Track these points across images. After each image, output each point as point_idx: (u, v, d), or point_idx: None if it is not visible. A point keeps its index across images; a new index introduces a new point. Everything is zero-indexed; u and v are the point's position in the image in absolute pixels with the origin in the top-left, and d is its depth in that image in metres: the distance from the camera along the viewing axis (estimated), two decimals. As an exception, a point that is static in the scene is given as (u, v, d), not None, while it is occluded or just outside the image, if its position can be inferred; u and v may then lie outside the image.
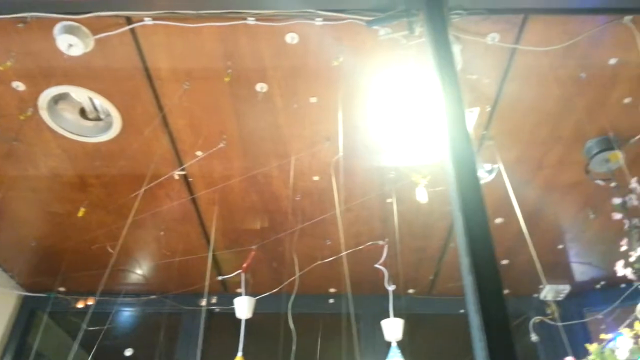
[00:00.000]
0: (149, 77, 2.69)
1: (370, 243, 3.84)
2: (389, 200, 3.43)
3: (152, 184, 3.12)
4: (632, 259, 2.88)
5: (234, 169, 3.25)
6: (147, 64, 2.63)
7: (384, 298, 3.39)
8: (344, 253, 3.26)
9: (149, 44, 2.54)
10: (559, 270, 4.49)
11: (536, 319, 4.12)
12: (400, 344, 4.62)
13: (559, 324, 4.26)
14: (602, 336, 2.64)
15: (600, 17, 2.41)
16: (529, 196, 3.57)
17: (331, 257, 3.99)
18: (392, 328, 3.32)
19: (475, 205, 1.58)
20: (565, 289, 4.71)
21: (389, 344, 3.39)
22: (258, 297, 3.53)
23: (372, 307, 4.42)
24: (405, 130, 2.92)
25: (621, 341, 2.61)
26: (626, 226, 2.94)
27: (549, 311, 4.79)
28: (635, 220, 2.92)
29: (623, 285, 4.58)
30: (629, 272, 2.99)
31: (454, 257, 4.12)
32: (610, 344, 2.64)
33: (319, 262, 3.93)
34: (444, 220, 3.79)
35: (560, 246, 4.12)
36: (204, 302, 4.47)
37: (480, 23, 2.42)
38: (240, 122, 2.95)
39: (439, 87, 1.83)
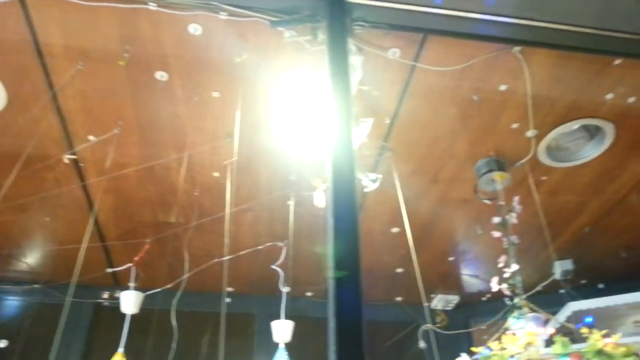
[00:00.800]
0: (39, 53, 2.53)
1: (269, 244, 3.82)
2: (289, 203, 3.44)
3: (37, 166, 2.92)
4: (506, 275, 3.07)
5: (130, 158, 3.13)
6: (38, 37, 2.46)
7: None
8: (239, 254, 3.23)
9: (40, 17, 2.38)
10: (450, 281, 4.71)
11: (425, 326, 4.27)
12: (293, 346, 4.65)
13: (446, 332, 4.46)
14: (473, 349, 2.79)
15: (493, 44, 2.55)
16: (424, 208, 3.72)
17: (230, 255, 3.93)
18: (281, 330, 3.32)
19: (347, 210, 1.61)
20: (455, 299, 4.96)
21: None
22: (149, 293, 3.42)
23: (269, 308, 4.41)
24: (305, 134, 2.94)
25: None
26: (505, 244, 3.13)
27: (438, 319, 5.02)
28: (513, 238, 3.12)
29: (507, 299, 4.89)
30: (504, 288, 3.18)
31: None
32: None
33: (216, 259, 3.87)
34: (343, 226, 3.86)
35: (451, 258, 4.33)
36: (105, 295, 4.28)
37: (382, 37, 2.48)
38: (138, 109, 2.83)
39: (330, 93, 1.85)
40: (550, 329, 2.74)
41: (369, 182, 2.52)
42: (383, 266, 4.39)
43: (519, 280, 3.05)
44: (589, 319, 2.83)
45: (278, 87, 2.71)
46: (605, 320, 4.36)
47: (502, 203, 3.17)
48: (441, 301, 4.93)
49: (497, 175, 3.14)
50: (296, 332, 4.72)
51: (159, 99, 2.77)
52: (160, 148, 3.07)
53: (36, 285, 4.15)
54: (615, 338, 2.35)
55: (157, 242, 3.83)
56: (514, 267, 3.04)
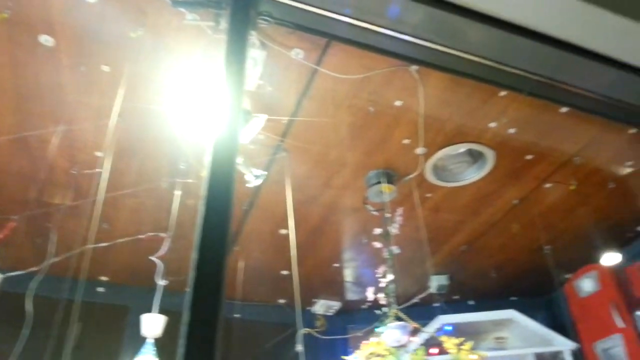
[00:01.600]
0: None
1: (151, 234, 3.65)
2: (175, 192, 3.31)
3: None
4: (382, 285, 3.17)
5: (2, 126, 2.84)
6: None
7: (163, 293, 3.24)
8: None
9: None
10: (333, 287, 4.78)
11: (304, 330, 4.28)
12: (167, 342, 4.46)
13: (324, 337, 4.52)
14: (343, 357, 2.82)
15: (392, 60, 2.62)
16: (314, 212, 3.75)
17: (107, 242, 3.70)
18: (151, 324, 3.16)
19: (221, 203, 1.56)
20: (336, 305, 5.05)
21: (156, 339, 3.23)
22: (10, 274, 3.13)
23: (145, 301, 4.21)
24: (196, 123, 2.84)
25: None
26: (384, 254, 3.23)
27: (318, 324, 5.08)
28: (393, 249, 3.23)
29: (385, 309, 5.07)
30: (380, 297, 3.28)
31: (234, 259, 4.14)
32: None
33: (90, 246, 3.63)
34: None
35: (336, 265, 4.40)
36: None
37: (287, 36, 2.46)
38: (16, 74, 2.58)
39: (222, 83, 1.79)
40: (416, 339, 2.85)
41: (252, 177, 2.48)
42: (269, 267, 4.37)
43: (392, 290, 3.15)
44: (448, 328, 2.98)
45: (173, 71, 2.60)
46: (471, 335, 4.64)
47: (388, 215, 3.28)
48: (323, 306, 5.00)
49: (384, 187, 3.24)
50: (174, 329, 4.56)
51: (41, 65, 2.54)
52: (37, 119, 2.82)
53: None
54: (467, 347, 2.50)
55: (25, 221, 3.53)
56: (390, 277, 3.15)
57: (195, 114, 2.82)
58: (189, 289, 1.37)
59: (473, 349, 4.60)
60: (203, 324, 1.31)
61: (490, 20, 2.32)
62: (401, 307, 5.08)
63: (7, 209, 3.39)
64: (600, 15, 2.30)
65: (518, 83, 2.68)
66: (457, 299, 4.98)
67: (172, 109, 2.81)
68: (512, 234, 4.10)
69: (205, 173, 2.90)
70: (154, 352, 3.14)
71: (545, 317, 4.78)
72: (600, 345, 3.80)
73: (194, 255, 1.43)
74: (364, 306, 5.13)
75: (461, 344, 2.70)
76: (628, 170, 3.47)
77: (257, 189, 3.46)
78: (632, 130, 3.12)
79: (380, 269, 3.31)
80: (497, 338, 4.62)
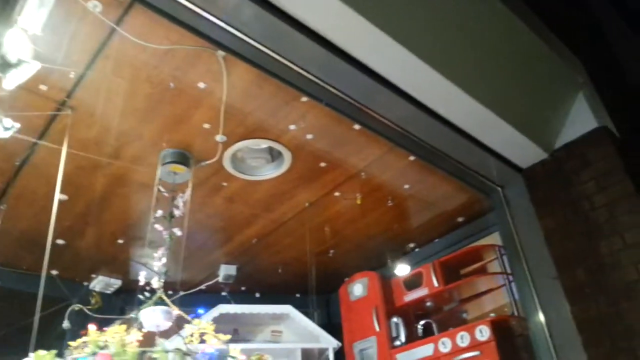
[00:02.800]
0: None
1: None
2: None
3: None
4: (155, 268, 3.06)
5: None
6: None
7: None
8: None
9: None
10: (115, 264, 4.51)
11: (75, 306, 3.95)
12: None
13: (97, 315, 4.23)
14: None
15: (200, 40, 2.53)
16: (100, 181, 3.48)
17: None
18: None
19: None
20: (116, 283, 4.77)
21: None
22: None
23: None
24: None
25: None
26: (165, 236, 3.13)
27: (92, 301, 4.75)
28: (175, 230, 3.14)
29: (170, 292, 4.95)
30: (154, 281, 3.15)
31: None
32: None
33: None
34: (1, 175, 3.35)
35: (121, 241, 4.15)
36: None
37: (84, -17, 2.23)
38: None
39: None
40: (168, 323, 2.79)
41: (1, 128, 2.19)
42: (42, 234, 3.94)
43: (164, 273, 3.07)
44: (201, 311, 2.98)
45: None
46: (250, 326, 4.77)
47: (175, 197, 3.18)
48: (101, 283, 4.68)
49: (174, 168, 3.14)
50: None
51: None
52: None
53: None
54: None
55: None
56: (164, 260, 3.05)
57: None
58: None
59: (249, 340, 4.72)
60: None
61: (306, 31, 2.37)
62: (187, 292, 5.01)
63: None
64: (408, 55, 2.48)
65: (318, 92, 2.79)
66: (244, 290, 5.06)
67: None
68: (301, 235, 4.28)
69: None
70: None
71: (324, 316, 5.08)
72: (358, 346, 4.16)
73: None
74: (147, 288, 4.93)
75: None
76: (405, 192, 3.85)
77: (35, 145, 3.10)
78: (412, 158, 3.47)
79: (160, 251, 3.19)
80: (274, 331, 4.79)
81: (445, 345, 3.62)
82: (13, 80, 2.04)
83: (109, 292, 4.83)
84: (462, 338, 3.54)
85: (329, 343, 4.39)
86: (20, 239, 3.97)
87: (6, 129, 2.13)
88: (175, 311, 2.89)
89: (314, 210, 3.96)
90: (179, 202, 3.11)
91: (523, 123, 3.18)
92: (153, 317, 2.82)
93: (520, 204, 3.56)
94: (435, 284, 3.92)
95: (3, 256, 4.19)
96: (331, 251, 4.54)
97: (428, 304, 4.12)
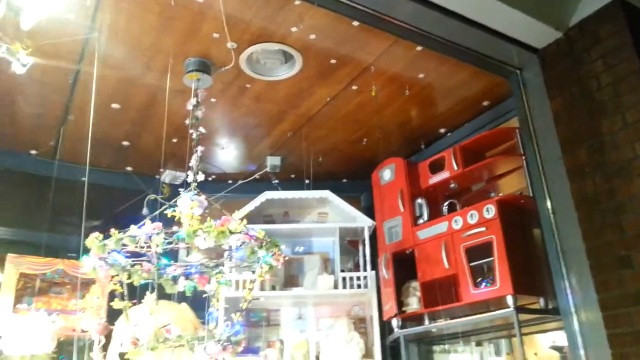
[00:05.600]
0: None
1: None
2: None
3: None
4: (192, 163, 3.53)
5: None
6: None
7: None
8: None
9: None
10: (176, 159, 5.15)
11: (151, 196, 4.67)
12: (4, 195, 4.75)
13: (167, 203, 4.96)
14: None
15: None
16: (142, 91, 3.99)
17: None
18: None
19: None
20: (182, 175, 5.47)
21: None
22: None
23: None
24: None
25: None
26: (193, 135, 3.58)
27: (164, 192, 5.52)
28: (201, 129, 3.55)
29: (230, 182, 5.60)
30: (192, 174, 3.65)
31: (75, 129, 4.35)
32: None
33: None
34: (61, 93, 3.94)
35: (175, 140, 4.73)
36: None
37: None
38: None
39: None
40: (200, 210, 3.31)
41: (19, 65, 2.64)
42: (109, 136, 4.62)
43: (197, 167, 3.54)
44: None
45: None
46: (298, 209, 5.34)
47: (196, 102, 3.56)
48: (169, 176, 5.40)
49: (190, 76, 3.53)
50: (10, 186, 4.81)
51: None
52: None
53: None
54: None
55: None
56: (198, 154, 3.48)
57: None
58: None
59: (298, 221, 5.29)
60: None
61: None
62: (244, 181, 5.64)
63: None
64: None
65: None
66: (294, 177, 5.56)
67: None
68: (331, 127, 4.60)
69: (16, 47, 3.01)
70: None
71: (369, 198, 5.50)
72: (387, 224, 4.56)
73: None
74: (210, 178, 5.61)
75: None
76: (421, 80, 3.97)
77: (80, 63, 3.61)
78: (419, 48, 3.56)
79: (199, 148, 3.65)
80: (320, 213, 5.33)
81: (457, 222, 3.91)
82: (28, 20, 2.46)
83: (176, 183, 5.58)
84: (472, 216, 3.80)
85: (365, 222, 4.85)
86: (95, 142, 4.67)
87: (23, 65, 2.58)
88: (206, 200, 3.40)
89: (337, 103, 4.22)
90: (199, 108, 3.50)
91: (533, 4, 3.13)
92: (186, 203, 3.35)
93: (535, 86, 3.58)
94: (455, 167, 4.13)
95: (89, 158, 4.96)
96: (364, 140, 4.83)
97: (452, 185, 4.35)
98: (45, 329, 3.49)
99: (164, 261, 2.96)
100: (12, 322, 3.67)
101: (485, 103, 4.32)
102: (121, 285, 3.02)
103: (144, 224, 3.04)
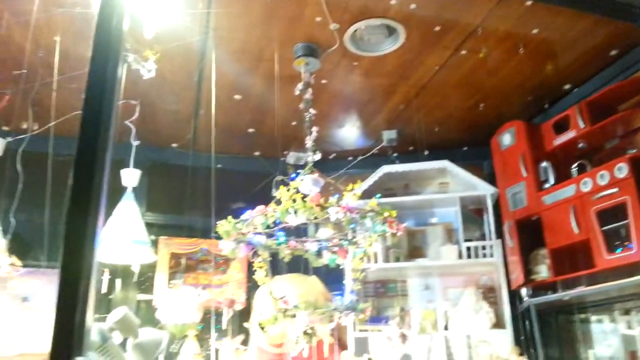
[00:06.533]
0: None
1: (122, 101, 4.29)
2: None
3: None
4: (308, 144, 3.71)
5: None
6: None
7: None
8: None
9: None
10: (297, 142, 5.43)
11: (278, 178, 5.02)
12: (153, 188, 5.37)
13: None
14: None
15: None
16: (257, 81, 4.27)
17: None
18: (129, 176, 3.90)
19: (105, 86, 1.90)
20: (304, 156, 5.74)
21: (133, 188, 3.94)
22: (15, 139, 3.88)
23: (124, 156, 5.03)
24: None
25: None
26: (307, 117, 3.76)
27: (290, 172, 5.85)
28: (311, 111, 3.72)
29: (350, 158, 5.76)
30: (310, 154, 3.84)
31: (207, 121, 4.78)
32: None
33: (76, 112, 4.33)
34: (191, 90, 4.37)
35: (294, 123, 4.99)
36: None
37: None
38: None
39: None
40: (317, 189, 3.48)
41: (145, 71, 2.98)
42: (235, 125, 5.03)
43: (312, 146, 3.71)
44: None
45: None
46: (418, 181, 5.35)
47: (306, 83, 3.73)
48: (293, 157, 5.71)
49: (299, 62, 3.70)
50: (158, 177, 5.44)
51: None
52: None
53: None
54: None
55: (19, 94, 4.22)
56: (313, 135, 3.66)
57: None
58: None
59: (419, 193, 5.30)
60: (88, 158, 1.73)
61: None
62: (363, 157, 5.76)
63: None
64: None
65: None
66: (412, 149, 5.55)
67: None
68: (444, 95, 4.52)
69: (147, 53, 3.42)
70: (133, 198, 3.95)
71: (490, 165, 5.33)
72: (510, 191, 4.39)
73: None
74: (330, 157, 5.82)
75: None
76: (536, 36, 3.73)
77: (199, 64, 3.97)
78: (529, 3, 3.35)
79: (313, 129, 3.84)
80: (441, 183, 5.29)
81: (586, 184, 3.65)
82: (150, 29, 2.80)
83: (300, 164, 5.88)
84: (602, 177, 3.53)
85: (487, 190, 4.72)
86: (224, 132, 5.10)
87: (149, 71, 2.93)
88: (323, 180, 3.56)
89: (447, 71, 4.13)
90: (308, 91, 3.66)
91: None
92: (305, 183, 3.55)
93: (670, 27, 3.20)
94: (581, 124, 3.85)
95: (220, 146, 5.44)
96: (480, 105, 4.67)
97: (581, 145, 4.06)
98: (192, 301, 3.96)
99: (282, 238, 3.14)
100: (167, 296, 4.21)
101: (613, 52, 3.93)
102: (262, 261, 3.29)
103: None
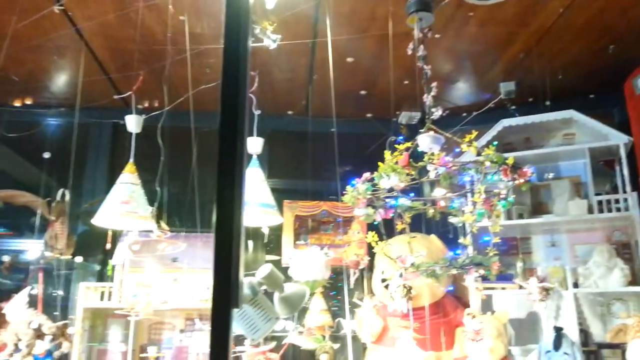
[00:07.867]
0: None
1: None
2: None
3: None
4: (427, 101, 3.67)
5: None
6: None
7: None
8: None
9: None
10: (410, 100, 5.38)
11: (391, 138, 5.07)
12: (273, 154, 5.63)
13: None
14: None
15: None
16: (370, 42, 4.28)
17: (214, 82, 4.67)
18: (254, 144, 4.11)
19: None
20: (417, 115, 5.70)
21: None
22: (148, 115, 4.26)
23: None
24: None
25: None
26: (424, 79, 3.70)
27: (402, 132, 5.84)
28: (427, 69, 3.67)
29: (465, 114, 5.60)
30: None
31: (320, 86, 4.91)
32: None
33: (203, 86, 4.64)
34: (304, 57, 4.49)
35: (406, 82, 4.94)
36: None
37: None
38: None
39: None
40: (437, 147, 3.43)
41: (270, 42, 3.07)
42: (347, 88, 5.09)
43: (431, 102, 3.66)
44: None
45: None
46: (541, 133, 5.10)
47: (423, 38, 3.66)
48: (405, 117, 5.69)
49: (411, 20, 3.62)
50: (277, 144, 5.68)
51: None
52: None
53: (62, 109, 5.14)
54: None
55: (151, 72, 4.60)
56: (432, 93, 3.61)
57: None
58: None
59: (542, 146, 5.05)
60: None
61: None
62: (478, 112, 5.61)
63: (136, 67, 4.46)
64: None
65: None
66: (532, 101, 5.27)
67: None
68: (569, 39, 4.22)
69: (264, 24, 3.56)
70: (258, 165, 4.18)
71: (622, 112, 4.94)
72: (648, 139, 4.05)
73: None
74: (443, 114, 5.70)
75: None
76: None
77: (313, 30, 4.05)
78: None
79: (433, 84, 3.77)
80: (566, 135, 4.99)
81: None
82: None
83: (413, 123, 5.84)
84: None
85: (619, 139, 4.37)
86: (338, 96, 5.19)
87: (274, 41, 3.04)
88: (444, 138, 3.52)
89: (573, 12, 3.85)
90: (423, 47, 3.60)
91: None
92: (425, 141, 3.53)
93: None
94: None
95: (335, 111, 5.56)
96: (610, 47, 4.31)
97: None
98: (320, 260, 4.16)
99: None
100: (295, 255, 4.46)
101: None
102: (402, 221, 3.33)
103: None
